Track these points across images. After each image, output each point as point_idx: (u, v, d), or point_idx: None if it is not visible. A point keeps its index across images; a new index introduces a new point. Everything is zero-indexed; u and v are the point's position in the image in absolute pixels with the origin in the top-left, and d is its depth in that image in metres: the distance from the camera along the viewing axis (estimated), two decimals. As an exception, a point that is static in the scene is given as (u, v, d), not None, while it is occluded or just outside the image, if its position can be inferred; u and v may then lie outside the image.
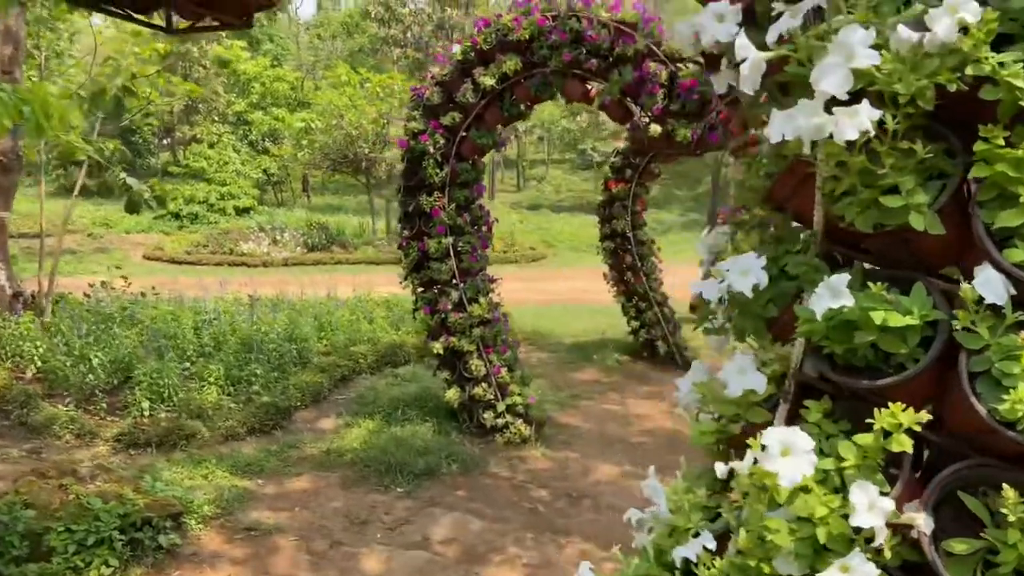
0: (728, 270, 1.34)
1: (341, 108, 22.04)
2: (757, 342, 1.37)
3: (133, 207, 9.16)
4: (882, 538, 1.08)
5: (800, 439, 1.11)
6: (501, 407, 6.67)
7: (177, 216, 27.08)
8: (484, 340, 6.75)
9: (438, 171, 6.56)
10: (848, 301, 1.11)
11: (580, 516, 5.43)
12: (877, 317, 1.09)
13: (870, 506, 1.07)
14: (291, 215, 28.53)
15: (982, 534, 1.09)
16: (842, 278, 1.12)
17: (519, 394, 6.78)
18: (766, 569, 1.20)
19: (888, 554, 1.12)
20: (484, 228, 6.98)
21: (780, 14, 1.30)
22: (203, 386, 7.55)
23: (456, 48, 6.39)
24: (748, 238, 1.52)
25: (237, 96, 31.89)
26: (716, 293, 1.39)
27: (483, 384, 6.68)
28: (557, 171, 46.05)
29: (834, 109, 1.11)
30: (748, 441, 1.18)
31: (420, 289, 6.86)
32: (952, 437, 1.15)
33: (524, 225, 29.07)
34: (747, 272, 1.28)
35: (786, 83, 1.39)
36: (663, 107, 5.83)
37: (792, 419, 1.29)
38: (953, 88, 1.08)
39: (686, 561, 1.38)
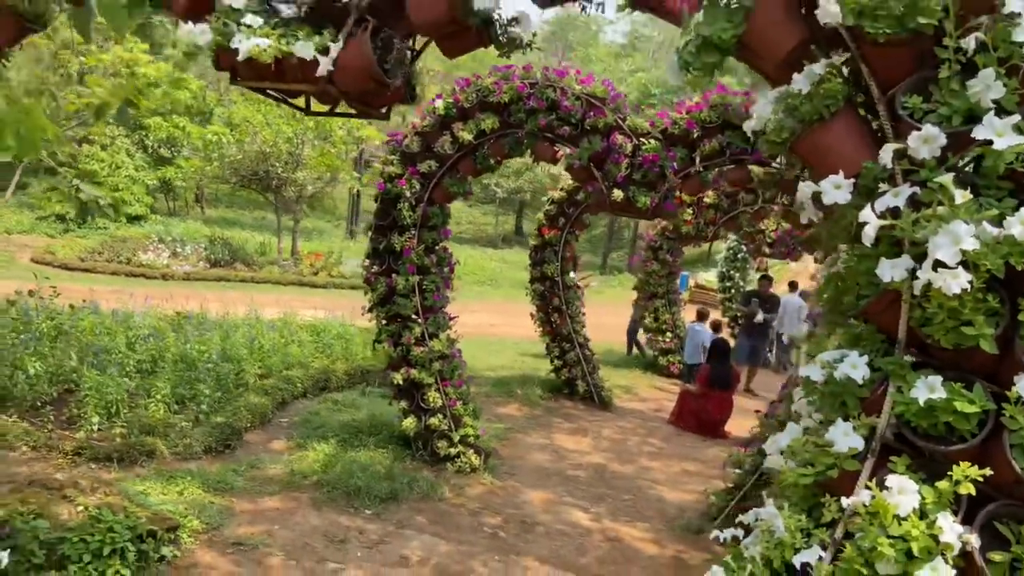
0: (837, 362, 1.96)
1: (256, 125, 21.91)
2: (851, 413, 1.99)
3: (84, 214, 9.11)
4: (956, 550, 1.71)
5: (909, 484, 1.74)
6: (456, 437, 7.14)
7: (62, 219, 25.88)
8: (442, 374, 7.22)
9: (411, 213, 7.03)
10: (941, 394, 1.75)
11: (536, 541, 5.96)
12: (959, 406, 1.73)
13: (950, 529, 1.70)
14: (186, 226, 27.82)
15: (1012, 550, 1.74)
16: (937, 379, 1.77)
17: (471, 426, 7.28)
18: (866, 571, 1.81)
19: (951, 561, 1.75)
20: (447, 269, 7.47)
21: (883, 192, 1.93)
22: (150, 403, 7.61)
23: (439, 103, 6.91)
24: (829, 339, 2.16)
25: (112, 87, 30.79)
26: (820, 376, 2.02)
27: (439, 415, 7.13)
28: (457, 203, 46.99)
29: (939, 270, 1.74)
30: (867, 484, 1.79)
31: (384, 322, 7.26)
32: (990, 485, 1.81)
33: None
34: (856, 366, 1.91)
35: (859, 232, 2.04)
36: (625, 175, 6.57)
37: (875, 469, 1.92)
38: (1019, 267, 1.73)
39: (790, 566, 1.98)
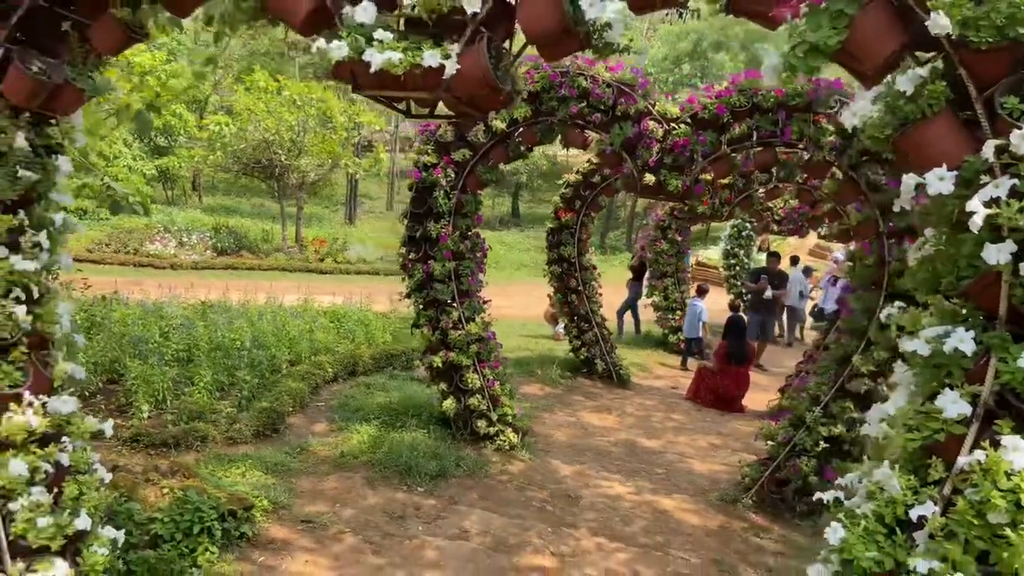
0: (942, 337, 2.20)
1: (259, 114, 21.95)
2: (956, 383, 2.22)
3: (116, 209, 9.38)
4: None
5: (1021, 443, 1.98)
6: (494, 416, 7.38)
7: (63, 210, 25.81)
8: (479, 356, 7.45)
9: (447, 201, 7.23)
10: (1046, 363, 1.99)
11: (582, 513, 6.23)
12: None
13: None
14: (186, 215, 27.84)
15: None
16: (1040, 351, 2.00)
17: (508, 405, 7.52)
18: (977, 521, 2.06)
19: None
20: (479, 254, 7.68)
21: (984, 183, 2.16)
22: (193, 391, 7.81)
23: (474, 93, 7.07)
24: (921, 315, 2.39)
25: (132, 89, 30.70)
26: (927, 350, 2.25)
27: (478, 395, 7.37)
28: (451, 185, 47.11)
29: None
30: (982, 444, 2.03)
31: (421, 307, 7.47)
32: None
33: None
34: (964, 340, 2.15)
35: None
36: (657, 160, 6.78)
37: (980, 432, 2.16)
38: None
39: (901, 521, 2.22)
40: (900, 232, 6.25)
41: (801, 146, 6.57)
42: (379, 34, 2.63)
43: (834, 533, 2.32)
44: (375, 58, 2.61)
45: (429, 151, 7.28)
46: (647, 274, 14.76)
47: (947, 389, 2.22)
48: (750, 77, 6.64)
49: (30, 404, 3.30)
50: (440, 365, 7.40)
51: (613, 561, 5.40)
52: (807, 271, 17.92)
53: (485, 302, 7.69)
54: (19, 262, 3.29)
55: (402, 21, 2.82)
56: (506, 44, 3.02)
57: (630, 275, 15.02)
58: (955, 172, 2.22)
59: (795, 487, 6.53)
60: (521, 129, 7.13)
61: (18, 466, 3.16)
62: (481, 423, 7.37)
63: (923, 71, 2.23)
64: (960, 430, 2.19)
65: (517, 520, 5.92)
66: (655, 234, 14.44)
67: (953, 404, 2.17)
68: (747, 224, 17.15)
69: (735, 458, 8.12)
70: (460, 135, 7.20)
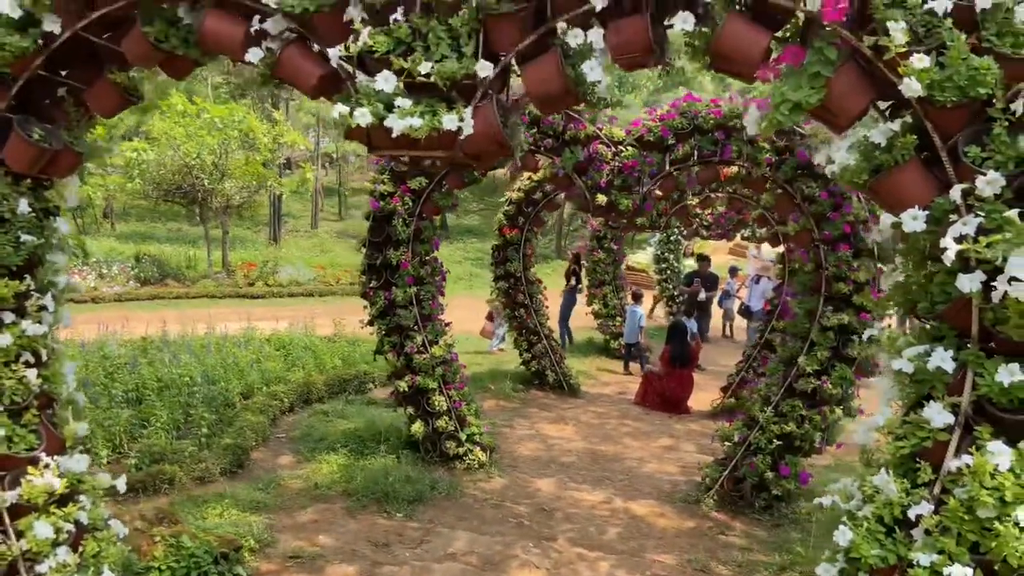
0: (923, 356, 2.52)
1: (178, 139, 21.48)
2: (939, 395, 2.54)
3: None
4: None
5: (1003, 447, 2.30)
6: (463, 436, 7.55)
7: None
8: (445, 378, 7.61)
9: (406, 228, 7.37)
10: (1020, 377, 2.32)
11: (559, 526, 6.46)
12: (1032, 385, 2.31)
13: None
14: (102, 245, 26.92)
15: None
16: (1016, 366, 2.33)
17: (476, 425, 7.70)
18: (967, 517, 2.38)
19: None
20: (438, 278, 7.84)
21: (953, 221, 2.48)
22: (151, 432, 7.72)
23: (426, 122, 7.24)
24: (901, 337, 2.72)
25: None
26: (910, 368, 2.57)
27: (445, 417, 7.53)
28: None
29: (1012, 283, 2.30)
30: (969, 449, 2.35)
31: (384, 333, 7.58)
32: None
33: (356, 256, 29.33)
34: (945, 359, 2.47)
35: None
36: (607, 181, 7.10)
37: (962, 438, 2.49)
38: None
39: (898, 520, 2.53)
40: (834, 240, 6.71)
41: (740, 163, 7.00)
42: (399, 102, 2.80)
43: (843, 536, 2.61)
44: (396, 124, 2.79)
45: (385, 180, 7.41)
46: (581, 284, 15.11)
47: (931, 401, 2.54)
48: (689, 100, 7.03)
49: (47, 466, 3.33)
50: (406, 389, 7.52)
51: (597, 570, 5.65)
52: (733, 270, 18.69)
53: (446, 324, 7.86)
54: (29, 326, 3.32)
55: (401, 84, 2.99)
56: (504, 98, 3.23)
57: (567, 284, 15.36)
58: (926, 212, 2.54)
59: (752, 484, 6.92)
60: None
61: (44, 529, 3.20)
62: (450, 444, 7.53)
63: (895, 125, 2.55)
64: (945, 437, 2.52)
65: (499, 538, 6.11)
66: (592, 244, 14.84)
67: (939, 415, 2.49)
68: (675, 229, 17.76)
69: (691, 459, 8.51)
70: (416, 162, 7.35)
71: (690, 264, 18.78)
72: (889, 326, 3.03)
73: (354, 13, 2.94)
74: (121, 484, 3.64)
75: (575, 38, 2.82)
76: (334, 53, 2.94)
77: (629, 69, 3.02)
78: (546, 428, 9.62)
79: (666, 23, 2.85)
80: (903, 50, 2.43)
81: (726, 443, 7.22)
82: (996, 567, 2.38)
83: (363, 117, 2.80)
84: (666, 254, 18.33)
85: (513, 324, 11.63)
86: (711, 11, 2.75)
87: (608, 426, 9.95)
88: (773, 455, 6.80)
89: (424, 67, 2.81)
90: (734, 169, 7.11)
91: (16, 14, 3.10)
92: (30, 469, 3.30)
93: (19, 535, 3.22)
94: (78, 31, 3.23)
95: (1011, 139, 2.40)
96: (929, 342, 2.61)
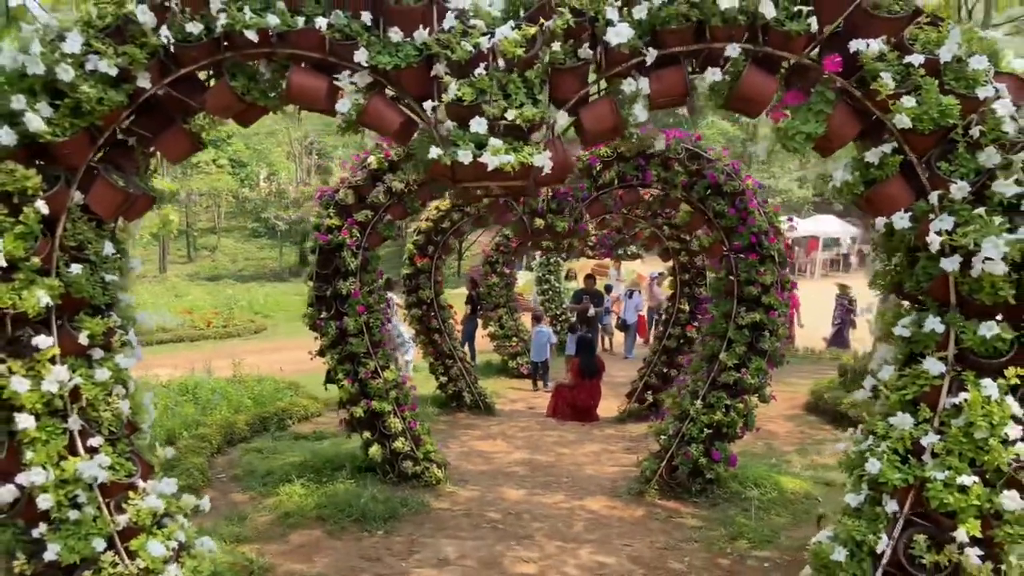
0: (915, 323, 3.31)
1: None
2: (930, 351, 3.33)
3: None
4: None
5: (991, 383, 3.10)
6: (420, 455, 7.90)
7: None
8: (398, 401, 7.94)
9: (354, 259, 7.69)
10: (996, 331, 3.13)
11: (531, 525, 6.96)
12: (1003, 335, 3.12)
13: (1015, 404, 3.09)
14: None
15: (1037, 407, 3.18)
16: (992, 323, 3.14)
17: (430, 443, 8.07)
18: (964, 439, 3.16)
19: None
20: (383, 306, 8.18)
21: (932, 219, 3.29)
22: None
23: (371, 159, 7.63)
24: (898, 310, 3.51)
25: None
26: (907, 333, 3.35)
27: (401, 438, 7.85)
28: (227, 240, 45.07)
29: (986, 262, 3.11)
30: (968, 386, 3.13)
31: (338, 362, 7.83)
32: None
33: (216, 297, 28.52)
34: (935, 324, 3.26)
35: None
36: (543, 207, 7.77)
37: (951, 382, 3.28)
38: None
39: (907, 449, 3.29)
40: (742, 249, 7.68)
41: (657, 185, 7.88)
42: (492, 142, 3.31)
43: (872, 464, 3.33)
44: (492, 160, 3.29)
45: (331, 214, 7.70)
46: (480, 308, 15.70)
47: (926, 357, 3.33)
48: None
49: (145, 490, 3.51)
50: (362, 414, 7.79)
51: (579, 557, 6.21)
52: (607, 288, 19.90)
53: (394, 350, 8.20)
54: (122, 360, 3.51)
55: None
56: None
57: (466, 309, 15.87)
58: (909, 213, 3.35)
59: (687, 471, 7.71)
60: (417, 187, 7.79)
61: (157, 548, 3.39)
62: (408, 464, 7.85)
63: (886, 148, 3.34)
64: (939, 382, 3.31)
65: (482, 542, 6.53)
66: (485, 269, 15.47)
67: (934, 365, 3.28)
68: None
69: (622, 458, 9.26)
70: (361, 197, 7.71)
71: (570, 285, 19.84)
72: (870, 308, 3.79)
73: (440, 69, 3.42)
74: (205, 504, 3.83)
75: (629, 86, 3.45)
76: (429, 105, 3.40)
77: (661, 108, 3.68)
78: (479, 445, 10.08)
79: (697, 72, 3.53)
80: (891, 92, 3.22)
81: (661, 437, 7.99)
82: (988, 475, 3.18)
83: (466, 156, 3.28)
84: (547, 275, 19.26)
85: (428, 350, 12.02)
86: (734, 65, 3.45)
87: (534, 438, 10.54)
88: (704, 443, 7.63)
89: (511, 113, 3.34)
90: (653, 191, 7.98)
91: (113, 72, 3.34)
92: (131, 493, 3.47)
93: (130, 556, 3.38)
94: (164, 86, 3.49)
95: (970, 155, 3.24)
96: (916, 313, 3.41)
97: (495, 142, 3.32)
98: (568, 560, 6.14)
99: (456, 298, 12.56)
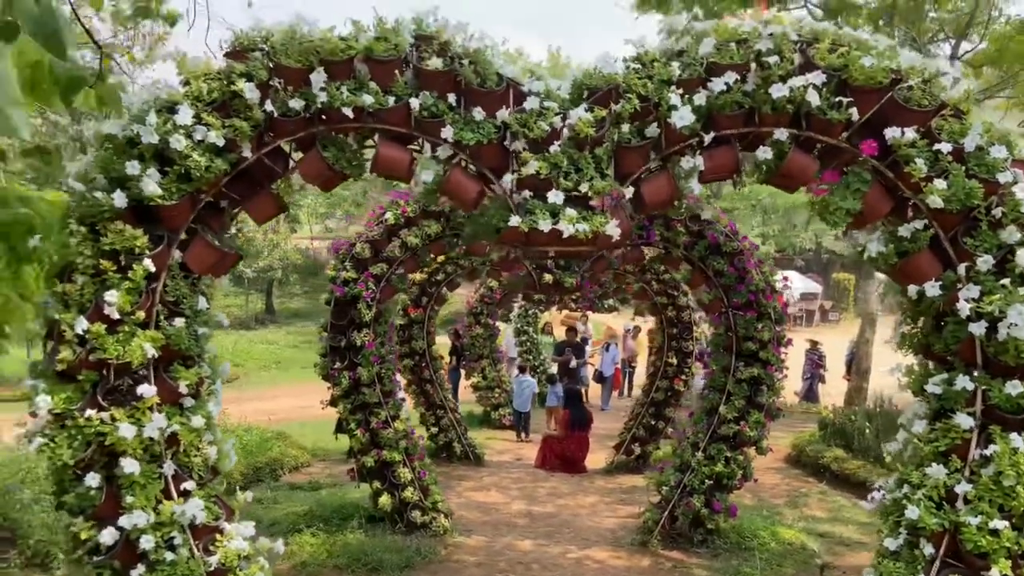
0: (946, 381, 3.68)
1: None
2: (958, 407, 3.69)
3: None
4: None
5: (1018, 438, 3.46)
6: (427, 505, 8.04)
7: None
8: (407, 451, 8.10)
9: (368, 311, 7.92)
10: (1021, 389, 3.51)
11: (545, 574, 7.13)
12: (1028, 394, 3.51)
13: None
14: None
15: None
16: (1017, 382, 3.52)
17: (437, 493, 8.22)
18: (994, 487, 3.51)
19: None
20: (392, 357, 8.39)
21: (960, 288, 3.69)
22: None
23: (389, 214, 7.92)
24: (925, 369, 3.88)
25: None
26: (938, 390, 3.72)
27: (410, 488, 8.00)
28: (193, 286, 44.47)
29: (1012, 327, 3.50)
30: (996, 439, 3.50)
31: (350, 412, 7.99)
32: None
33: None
34: (966, 382, 3.63)
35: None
36: (553, 262, 8.12)
37: (979, 435, 3.65)
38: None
39: (941, 497, 3.63)
40: (741, 307, 8.09)
41: (660, 244, 8.29)
42: (568, 211, 3.64)
43: (912, 511, 3.66)
44: (568, 228, 3.61)
45: (347, 267, 7.94)
46: (464, 359, 15.92)
47: (956, 412, 3.69)
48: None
49: (230, 533, 3.67)
50: (373, 464, 7.93)
51: (597, 605, 6.41)
52: (584, 340, 20.25)
53: (403, 400, 8.38)
54: (213, 408, 3.70)
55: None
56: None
57: (450, 361, 16.05)
58: (939, 282, 3.75)
59: (688, 521, 7.97)
60: (431, 242, 8.08)
61: (244, 590, 3.54)
62: (416, 513, 7.98)
63: (918, 224, 3.75)
64: (968, 435, 3.67)
65: (498, 590, 6.69)
66: (469, 320, 15.72)
67: (964, 420, 3.64)
68: (533, 303, 19.08)
69: (620, 510, 9.49)
70: (377, 251, 7.98)
71: (546, 339, 20.16)
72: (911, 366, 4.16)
73: (518, 145, 3.76)
74: (280, 547, 3.99)
75: (687, 163, 3.82)
76: (508, 178, 3.73)
77: (710, 182, 4.06)
78: (475, 496, 10.22)
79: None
80: (923, 176, 3.65)
81: (663, 488, 8.26)
82: (1015, 520, 3.52)
83: (546, 224, 3.60)
84: (525, 327, 19.55)
85: (420, 400, 12.17)
86: (779, 146, 3.85)
87: (528, 489, 10.71)
88: (705, 494, 7.91)
89: (584, 186, 3.68)
90: (655, 250, 8.38)
91: (220, 142, 3.61)
92: (217, 536, 3.63)
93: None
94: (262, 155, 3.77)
95: (993, 232, 3.66)
96: (947, 372, 3.79)
97: (571, 211, 3.65)
98: (587, 607, 6.34)
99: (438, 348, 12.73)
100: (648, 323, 19.57)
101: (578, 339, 16.96)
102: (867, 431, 11.41)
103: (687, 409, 10.21)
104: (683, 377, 11.88)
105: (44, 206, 2.88)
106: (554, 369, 16.21)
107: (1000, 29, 14.74)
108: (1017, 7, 25.91)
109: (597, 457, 12.68)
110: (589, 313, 21.83)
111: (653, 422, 12.00)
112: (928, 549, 3.64)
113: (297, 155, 4.04)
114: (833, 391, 18.20)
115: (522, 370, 14.69)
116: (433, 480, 8.32)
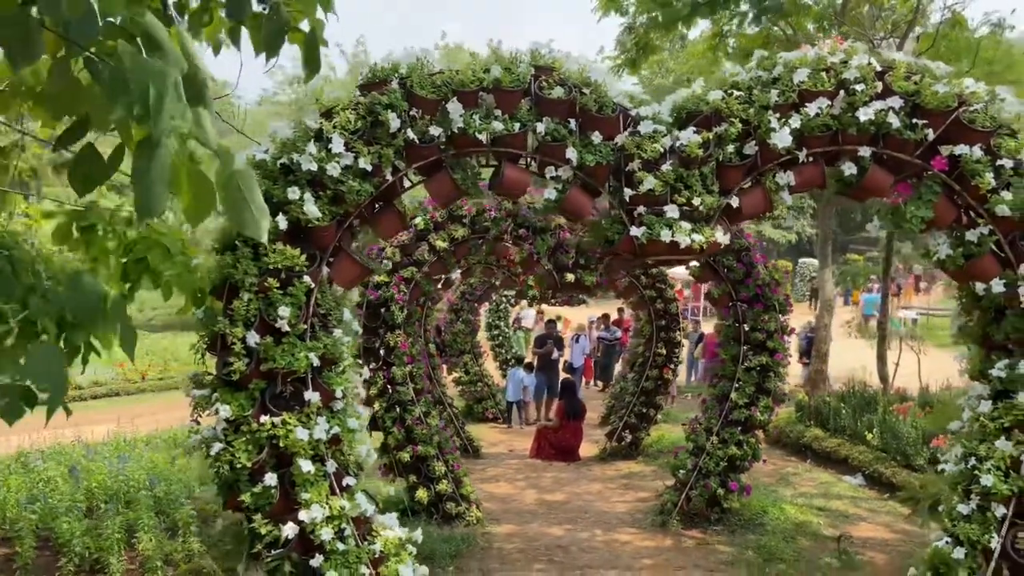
0: (1009, 366, 4.24)
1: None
2: (1020, 388, 4.25)
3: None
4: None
5: (1078, 410, 4.04)
6: (460, 496, 8.38)
7: None
8: (440, 445, 8.42)
9: (401, 313, 8.19)
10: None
11: (582, 556, 7.57)
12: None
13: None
14: None
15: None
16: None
17: (468, 484, 8.56)
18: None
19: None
20: (422, 357, 8.68)
21: (1020, 287, 4.25)
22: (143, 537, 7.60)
23: (418, 220, 8.19)
24: (979, 356, 4.44)
25: None
26: (1002, 374, 4.28)
27: (444, 481, 8.32)
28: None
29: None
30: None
31: (385, 410, 8.25)
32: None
33: (142, 347, 27.55)
34: (1018, 368, 4.20)
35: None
36: (574, 262, 8.54)
37: (1038, 411, 4.22)
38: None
39: (1007, 466, 4.20)
40: (748, 300, 8.65)
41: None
42: (684, 224, 4.05)
43: (986, 479, 4.20)
44: (683, 239, 4.03)
45: (381, 272, 8.18)
46: (446, 355, 16.20)
47: (1018, 393, 4.25)
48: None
49: (383, 523, 3.98)
50: (409, 459, 8.22)
51: (645, 582, 6.87)
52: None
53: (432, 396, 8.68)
54: (361, 409, 4.00)
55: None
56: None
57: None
58: (1003, 281, 4.30)
59: (705, 501, 8.51)
60: (457, 246, 8.39)
61: (407, 571, 3.86)
62: (451, 505, 8.31)
63: (984, 230, 4.30)
64: (1028, 414, 4.24)
65: (547, 573, 7.08)
66: (451, 317, 16.02)
67: (1026, 397, 4.21)
68: (504, 298, 19.47)
69: (627, 494, 9.99)
70: (407, 254, 8.25)
71: (520, 334, 20.60)
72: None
73: (634, 165, 4.15)
74: (419, 535, 4.29)
75: (782, 178, 4.28)
76: (628, 192, 4.12)
77: (799, 193, 4.52)
78: (486, 487, 10.57)
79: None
80: (991, 188, 4.19)
81: (680, 471, 8.78)
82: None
83: (667, 236, 4.00)
84: (497, 322, 19.93)
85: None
86: (862, 162, 4.34)
87: (532, 479, 11.12)
88: (721, 475, 8.47)
89: (696, 200, 4.10)
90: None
91: (369, 167, 3.90)
92: (374, 526, 3.94)
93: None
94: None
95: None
96: (1007, 359, 4.34)
97: (685, 224, 4.07)
98: (636, 584, 6.80)
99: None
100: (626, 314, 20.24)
101: (556, 332, 17.42)
102: (843, 411, 12.18)
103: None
104: (671, 366, 12.47)
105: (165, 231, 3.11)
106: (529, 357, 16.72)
107: (936, 27, 15.55)
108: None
109: (586, 446, 13.17)
110: (545, 307, 22.39)
111: (644, 410, 12.55)
112: (1000, 511, 4.20)
113: (415, 177, 4.34)
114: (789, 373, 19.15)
115: (519, 361, 15.24)
116: (464, 473, 8.65)
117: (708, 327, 17.32)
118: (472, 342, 16.39)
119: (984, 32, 14.01)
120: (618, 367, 18.41)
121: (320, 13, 2.42)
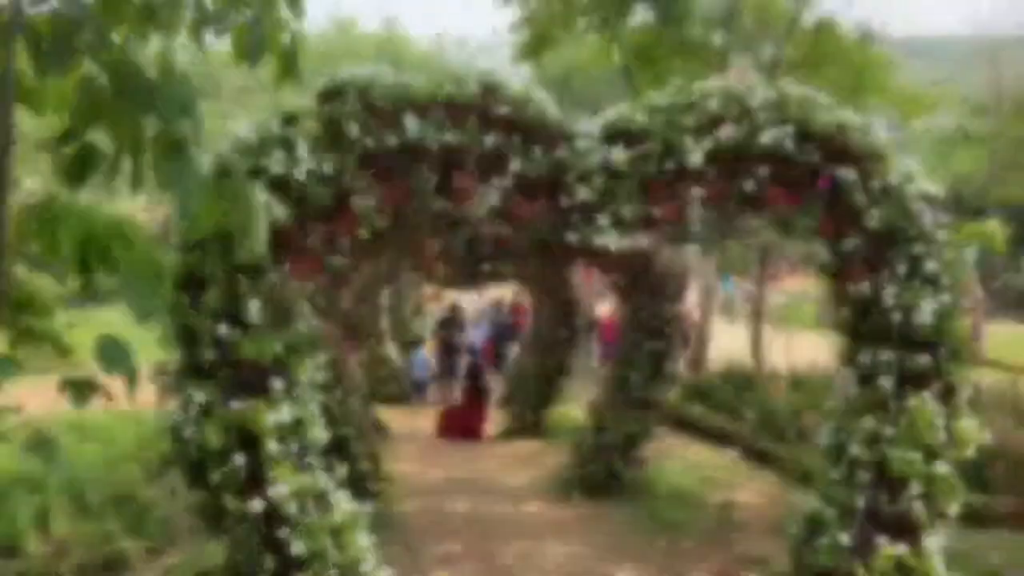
0: (878, 356, 5.05)
1: None
2: (882, 373, 5.06)
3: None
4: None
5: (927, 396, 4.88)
6: (380, 475, 8.77)
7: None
8: (360, 426, 8.76)
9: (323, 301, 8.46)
10: (927, 359, 4.92)
11: (496, 528, 8.13)
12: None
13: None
14: None
15: None
16: (925, 355, 4.92)
17: (386, 464, 8.96)
18: (913, 432, 4.93)
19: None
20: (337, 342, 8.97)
21: None
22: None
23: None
24: (857, 345, 5.25)
25: None
26: (866, 359, 5.08)
27: (365, 461, 8.68)
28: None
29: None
30: (909, 395, 4.90)
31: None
32: None
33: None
34: (886, 358, 5.01)
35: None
36: (491, 254, 9.03)
37: (897, 393, 5.06)
38: None
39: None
40: (648, 290, 9.39)
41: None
42: (611, 231, 4.61)
43: (853, 448, 4.98)
44: (612, 244, 4.58)
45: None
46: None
47: (880, 377, 5.05)
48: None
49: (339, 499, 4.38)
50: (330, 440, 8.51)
51: (555, 548, 7.50)
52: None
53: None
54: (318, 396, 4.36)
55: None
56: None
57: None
58: (868, 284, 5.09)
59: (604, 475, 9.25)
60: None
61: (363, 538, 4.29)
62: (370, 484, 8.68)
63: (857, 240, 5.06)
64: (889, 394, 5.05)
65: (466, 542, 7.61)
66: (357, 301, 16.20)
67: (886, 382, 5.01)
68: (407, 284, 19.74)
69: (528, 470, 10.64)
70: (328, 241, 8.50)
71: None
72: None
73: (570, 177, 4.66)
74: (368, 508, 4.70)
75: (695, 192, 4.90)
76: (564, 200, 4.63)
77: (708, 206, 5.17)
78: (399, 466, 10.96)
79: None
80: (864, 205, 4.95)
81: (581, 447, 9.48)
82: (923, 453, 4.95)
83: (598, 240, 4.54)
84: (395, 306, 20.18)
85: (328, 378, 12.66)
86: (761, 180, 5.01)
87: (438, 458, 11.60)
88: (619, 450, 9.22)
89: (624, 210, 4.66)
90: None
91: (331, 173, 4.25)
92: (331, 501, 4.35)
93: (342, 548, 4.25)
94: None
95: (907, 246, 5.04)
96: (872, 348, 5.15)
97: (613, 231, 4.63)
98: (546, 552, 7.42)
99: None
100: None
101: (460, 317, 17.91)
102: (724, 390, 13.25)
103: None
104: (571, 348, 13.19)
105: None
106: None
107: (806, 33, 16.56)
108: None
109: (489, 426, 13.76)
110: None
111: (546, 390, 13.21)
112: (864, 476, 5.00)
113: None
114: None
115: (414, 344, 15.68)
116: (379, 452, 9.03)
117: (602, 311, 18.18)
118: (377, 325, 16.65)
119: (855, 40, 15.04)
120: (515, 350, 19.02)
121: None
